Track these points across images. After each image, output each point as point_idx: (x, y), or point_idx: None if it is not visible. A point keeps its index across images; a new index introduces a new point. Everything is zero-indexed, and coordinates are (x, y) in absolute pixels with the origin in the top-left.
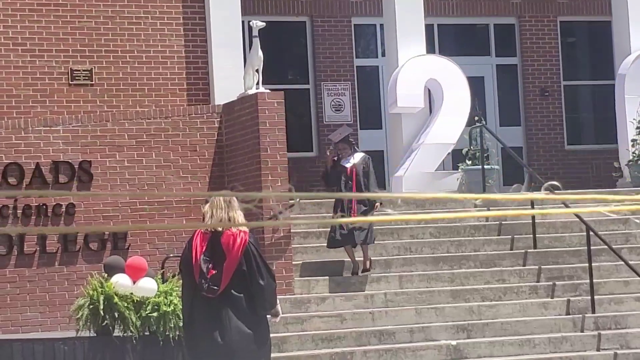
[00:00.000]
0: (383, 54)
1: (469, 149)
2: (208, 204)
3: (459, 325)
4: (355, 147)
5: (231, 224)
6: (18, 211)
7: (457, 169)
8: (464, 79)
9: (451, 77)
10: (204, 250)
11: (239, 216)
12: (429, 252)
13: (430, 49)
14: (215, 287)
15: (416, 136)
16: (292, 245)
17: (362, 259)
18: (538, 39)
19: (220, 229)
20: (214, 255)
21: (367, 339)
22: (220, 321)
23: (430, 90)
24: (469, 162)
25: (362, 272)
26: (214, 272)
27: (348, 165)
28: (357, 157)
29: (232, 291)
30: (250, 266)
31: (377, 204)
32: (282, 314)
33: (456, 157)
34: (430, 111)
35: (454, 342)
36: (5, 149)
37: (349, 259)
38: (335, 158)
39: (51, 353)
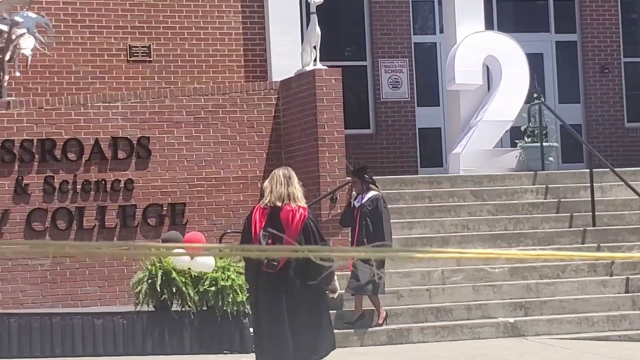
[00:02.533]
0: (441, 31)
1: (527, 126)
2: (268, 179)
3: (516, 303)
4: (370, 184)
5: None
6: (77, 186)
7: (516, 147)
8: (522, 55)
9: (510, 53)
10: (263, 225)
11: (298, 192)
12: (486, 229)
13: (488, 26)
14: (275, 263)
15: (474, 113)
16: None
17: (372, 308)
18: (598, 15)
19: (279, 204)
20: (273, 230)
21: (424, 316)
22: (280, 296)
23: (488, 67)
24: (528, 140)
25: (374, 324)
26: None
27: (357, 205)
28: (367, 197)
29: (291, 267)
30: (309, 242)
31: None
32: (339, 290)
33: (514, 135)
34: (489, 88)
35: (511, 320)
36: (65, 124)
37: (406, 236)
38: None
39: (110, 327)
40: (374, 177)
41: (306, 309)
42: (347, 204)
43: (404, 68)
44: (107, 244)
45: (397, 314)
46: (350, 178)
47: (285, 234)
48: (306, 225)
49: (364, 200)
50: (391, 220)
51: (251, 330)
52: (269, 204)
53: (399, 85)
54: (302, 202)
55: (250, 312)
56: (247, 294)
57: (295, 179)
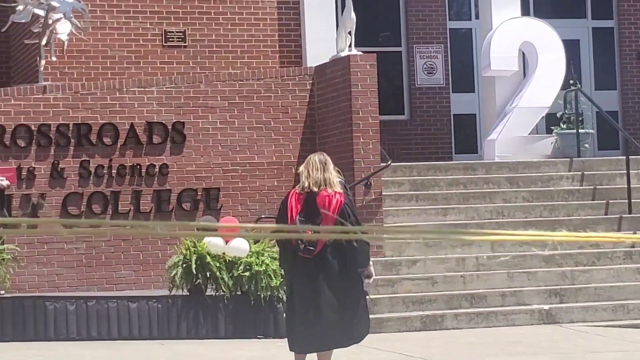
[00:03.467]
0: (477, 16)
1: (563, 113)
2: (304, 164)
3: (551, 290)
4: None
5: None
6: (113, 171)
7: (551, 133)
8: (559, 42)
9: (546, 40)
10: (299, 210)
11: (334, 177)
12: (521, 216)
13: (524, 12)
14: (312, 248)
15: (509, 99)
16: (383, 208)
17: None
18: (635, 1)
19: (315, 189)
20: (309, 215)
21: (458, 302)
22: (317, 281)
23: (524, 53)
24: (564, 126)
25: None
26: (309, 232)
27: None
28: None
29: (328, 252)
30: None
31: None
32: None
33: (550, 121)
34: (524, 74)
35: (546, 307)
36: (101, 109)
37: (440, 222)
38: None
39: (145, 311)
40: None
41: (342, 294)
42: None
43: (439, 54)
44: (161, 224)
45: (431, 300)
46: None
47: (322, 219)
48: (343, 211)
49: None
50: (424, 207)
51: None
52: (305, 190)
53: (434, 72)
54: (338, 188)
55: (286, 298)
56: (282, 280)
57: (330, 165)
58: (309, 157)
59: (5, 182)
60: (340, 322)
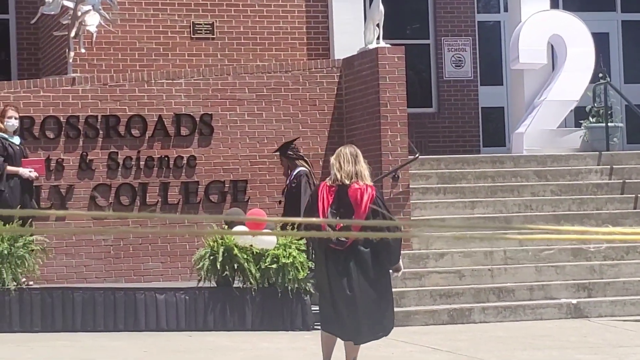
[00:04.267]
0: (505, 9)
1: (592, 106)
2: (334, 157)
3: (579, 284)
4: (296, 160)
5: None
6: (141, 163)
7: (580, 127)
8: (588, 35)
9: (575, 33)
10: (330, 203)
11: (365, 170)
12: (549, 209)
13: (554, 5)
14: (344, 240)
15: (538, 92)
16: (411, 201)
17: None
18: None
19: (347, 182)
20: (341, 208)
21: (486, 296)
22: (349, 273)
23: (553, 46)
24: (592, 120)
25: None
26: (341, 225)
27: (288, 182)
28: (293, 174)
29: (359, 245)
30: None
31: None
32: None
33: (579, 115)
34: (553, 67)
35: (574, 301)
36: (129, 101)
37: (468, 216)
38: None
39: (173, 302)
40: (300, 153)
41: (373, 286)
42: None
43: (467, 47)
44: (210, 217)
45: (458, 293)
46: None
47: (354, 212)
48: (375, 204)
49: (291, 178)
50: (452, 200)
51: (313, 307)
52: (336, 182)
53: (462, 64)
54: (369, 181)
55: (317, 290)
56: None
57: (361, 157)
58: (339, 149)
59: (33, 174)
60: (372, 315)
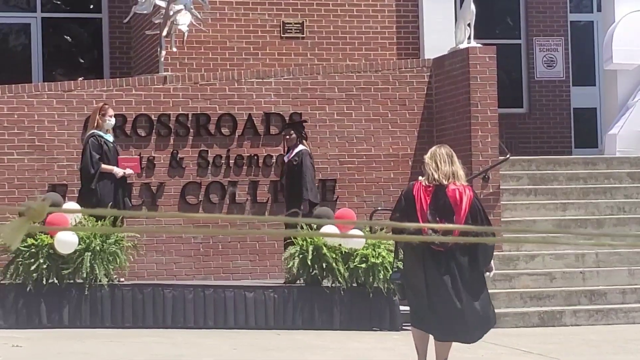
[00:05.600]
0: (598, 9)
1: None
2: (429, 156)
3: None
4: (303, 139)
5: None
6: (230, 161)
7: None
8: None
9: None
10: (429, 203)
11: (461, 170)
12: None
13: None
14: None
15: (632, 93)
16: (501, 202)
17: None
18: None
19: (445, 182)
20: (439, 208)
21: (577, 299)
22: (452, 274)
23: None
24: None
25: None
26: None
27: (286, 160)
28: (295, 151)
29: (460, 244)
30: (475, 221)
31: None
32: (494, 270)
33: None
34: None
35: None
36: (219, 100)
37: (560, 218)
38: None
39: (261, 300)
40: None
41: (471, 286)
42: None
43: (559, 47)
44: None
45: (549, 296)
46: (289, 131)
47: (454, 213)
48: (473, 205)
49: (292, 155)
50: (543, 201)
51: (401, 308)
52: (433, 182)
53: (554, 64)
54: (465, 181)
55: (408, 290)
56: (396, 271)
57: (456, 158)
58: (433, 149)
59: (128, 172)
60: (476, 312)
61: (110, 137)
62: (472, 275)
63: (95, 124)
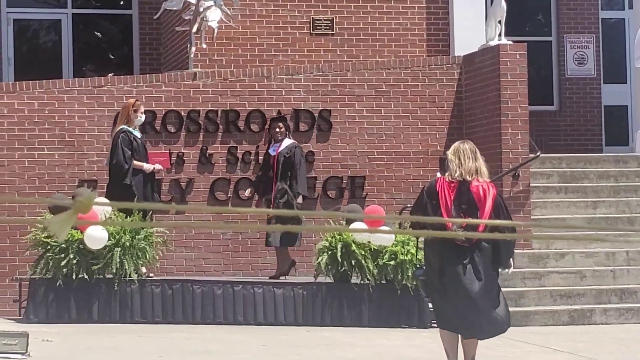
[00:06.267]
0: (630, 6)
1: None
2: (452, 152)
3: None
4: (290, 133)
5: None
6: (259, 157)
7: None
8: None
9: None
10: (453, 199)
11: (484, 167)
12: None
13: None
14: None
15: None
16: (531, 200)
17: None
18: None
19: (468, 178)
20: (462, 204)
21: (608, 297)
22: (476, 269)
23: None
24: None
25: (270, 277)
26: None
27: (273, 153)
28: (285, 144)
29: (483, 241)
30: (498, 218)
31: (297, 199)
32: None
33: None
34: None
35: None
36: (249, 96)
37: (590, 216)
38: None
39: (290, 297)
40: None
41: (490, 283)
42: (267, 148)
43: (590, 44)
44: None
45: (579, 294)
46: (278, 124)
47: (478, 209)
48: (497, 202)
49: (281, 148)
50: (573, 199)
51: (430, 305)
52: (457, 178)
53: (585, 62)
54: (487, 177)
55: (430, 287)
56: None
57: (479, 154)
58: (456, 145)
59: (158, 167)
60: (494, 309)
61: (138, 134)
62: (491, 272)
63: (127, 119)
